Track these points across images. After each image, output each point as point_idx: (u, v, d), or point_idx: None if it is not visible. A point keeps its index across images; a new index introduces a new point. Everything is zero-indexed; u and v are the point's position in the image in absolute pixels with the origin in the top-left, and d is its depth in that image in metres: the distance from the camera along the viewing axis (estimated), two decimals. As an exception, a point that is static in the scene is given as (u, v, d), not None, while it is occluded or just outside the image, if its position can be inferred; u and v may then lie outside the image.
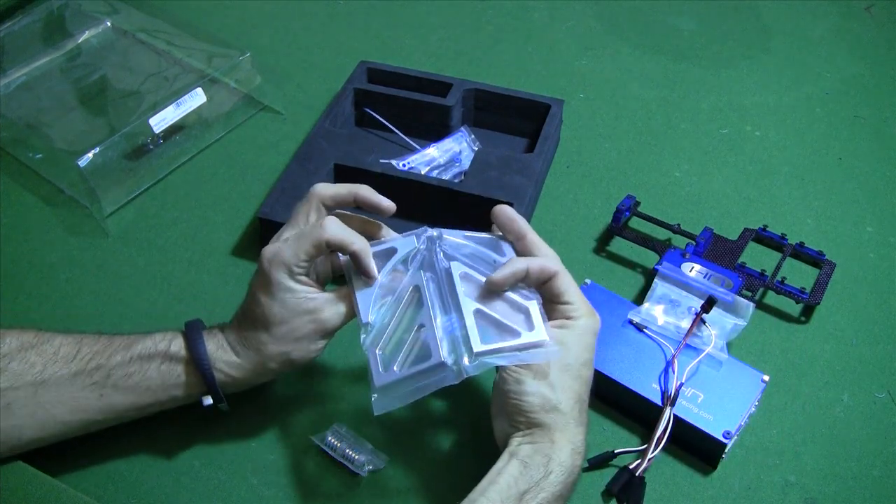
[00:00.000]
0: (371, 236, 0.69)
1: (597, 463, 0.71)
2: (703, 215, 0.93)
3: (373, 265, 0.66)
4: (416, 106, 0.96)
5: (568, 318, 0.65)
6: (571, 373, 0.63)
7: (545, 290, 0.66)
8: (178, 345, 0.67)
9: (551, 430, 0.62)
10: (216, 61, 1.03)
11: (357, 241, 0.65)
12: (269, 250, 0.66)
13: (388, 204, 0.68)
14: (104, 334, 0.67)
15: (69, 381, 0.64)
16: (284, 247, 0.65)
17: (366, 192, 0.68)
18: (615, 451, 0.71)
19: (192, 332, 0.67)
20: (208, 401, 0.67)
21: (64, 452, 0.70)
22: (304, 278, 0.66)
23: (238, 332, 0.67)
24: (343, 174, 0.90)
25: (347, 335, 0.80)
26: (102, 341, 0.66)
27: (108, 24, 1.10)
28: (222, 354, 0.67)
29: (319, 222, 0.65)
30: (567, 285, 0.66)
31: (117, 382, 0.65)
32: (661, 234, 0.90)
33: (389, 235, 0.70)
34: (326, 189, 0.68)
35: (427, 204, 0.86)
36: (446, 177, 0.91)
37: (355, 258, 0.66)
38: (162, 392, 0.66)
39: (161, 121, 0.94)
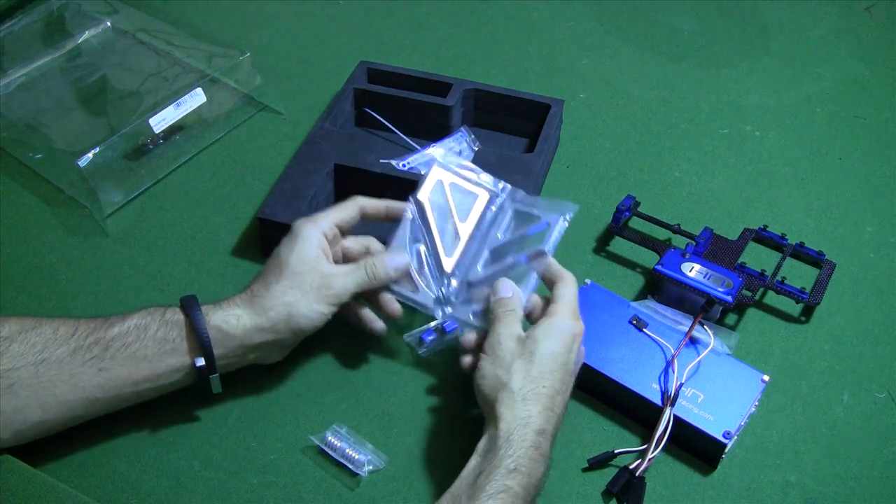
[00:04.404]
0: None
1: (597, 463, 0.71)
2: (703, 215, 0.93)
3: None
4: (416, 106, 0.96)
5: (548, 315, 0.69)
6: (532, 361, 0.67)
7: (551, 294, 0.72)
8: (174, 311, 0.69)
9: (499, 407, 0.65)
10: (216, 61, 1.03)
11: (387, 202, 0.76)
12: (303, 218, 0.74)
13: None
14: (101, 316, 0.69)
15: (69, 358, 0.65)
16: (319, 213, 0.74)
17: (395, 206, 0.77)
18: (615, 451, 0.71)
19: (188, 299, 0.70)
20: (200, 361, 0.68)
21: (65, 452, 0.70)
22: (326, 244, 0.72)
23: (247, 289, 0.71)
24: (343, 174, 0.90)
25: (347, 337, 0.80)
26: (99, 319, 0.68)
27: (108, 24, 1.10)
28: (222, 312, 0.69)
29: (351, 197, 0.76)
30: (564, 292, 0.71)
31: (115, 355, 0.66)
32: (661, 234, 0.90)
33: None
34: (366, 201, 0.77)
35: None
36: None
37: (392, 212, 0.76)
38: (158, 361, 0.67)
39: (161, 121, 0.94)
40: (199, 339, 0.68)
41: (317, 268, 0.71)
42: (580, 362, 0.72)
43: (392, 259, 0.74)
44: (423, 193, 0.77)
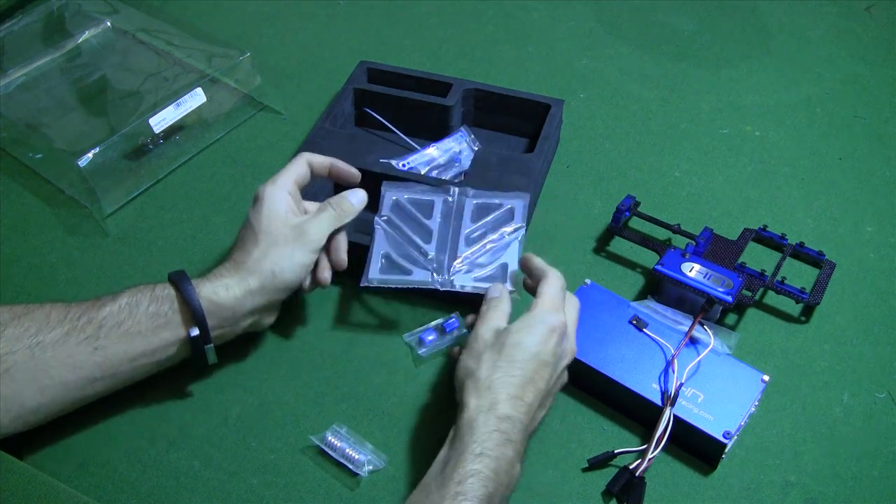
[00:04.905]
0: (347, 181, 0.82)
1: (597, 463, 0.71)
2: (703, 215, 0.93)
3: (352, 168, 0.81)
4: (416, 106, 0.96)
5: (528, 310, 0.69)
6: (501, 351, 0.67)
7: (538, 290, 0.71)
8: (163, 287, 0.71)
9: (466, 395, 0.65)
10: (216, 61, 1.03)
11: (332, 159, 0.80)
12: (262, 183, 0.76)
13: (356, 172, 0.81)
14: (90, 298, 0.70)
15: (63, 340, 0.66)
16: (276, 175, 0.76)
17: (340, 164, 0.81)
18: (615, 451, 0.71)
19: (177, 273, 0.72)
20: (195, 331, 0.69)
21: (64, 452, 0.70)
22: (289, 199, 0.74)
23: (228, 260, 0.74)
24: (343, 174, 0.90)
25: (347, 335, 0.80)
26: (89, 301, 0.69)
27: (108, 24, 1.10)
28: (210, 284, 0.71)
29: (299, 154, 0.79)
30: (546, 288, 0.70)
31: (109, 333, 0.67)
32: (661, 234, 0.90)
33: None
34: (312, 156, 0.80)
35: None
36: (446, 177, 0.91)
37: (335, 169, 0.80)
38: (152, 335, 0.69)
39: (161, 121, 0.94)
40: (191, 310, 0.69)
41: (288, 222, 0.73)
42: (566, 357, 0.70)
43: (352, 194, 0.78)
44: (385, 210, 0.82)
